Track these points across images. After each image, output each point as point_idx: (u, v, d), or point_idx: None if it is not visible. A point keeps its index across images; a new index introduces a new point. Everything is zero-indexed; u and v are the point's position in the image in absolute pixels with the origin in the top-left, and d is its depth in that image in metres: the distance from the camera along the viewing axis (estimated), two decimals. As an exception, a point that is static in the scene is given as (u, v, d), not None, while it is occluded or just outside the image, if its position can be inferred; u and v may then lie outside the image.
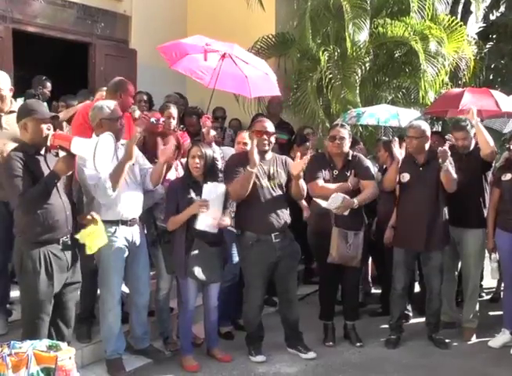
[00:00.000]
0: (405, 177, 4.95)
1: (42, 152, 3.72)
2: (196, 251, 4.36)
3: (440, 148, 4.77)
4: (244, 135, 5.21)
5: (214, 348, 4.74)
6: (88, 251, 3.80)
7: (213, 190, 4.40)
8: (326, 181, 4.88)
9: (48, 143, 3.67)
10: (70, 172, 3.81)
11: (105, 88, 5.57)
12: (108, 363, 4.31)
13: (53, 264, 3.63)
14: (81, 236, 3.78)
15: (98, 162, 3.56)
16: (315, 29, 7.94)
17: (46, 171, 3.63)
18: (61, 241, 3.70)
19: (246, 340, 4.81)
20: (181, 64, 5.46)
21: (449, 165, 4.77)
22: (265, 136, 4.61)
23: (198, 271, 4.36)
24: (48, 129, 3.68)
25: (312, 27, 7.82)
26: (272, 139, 4.69)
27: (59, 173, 3.59)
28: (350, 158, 4.95)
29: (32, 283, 3.59)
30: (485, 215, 5.25)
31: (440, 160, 4.74)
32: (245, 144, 5.12)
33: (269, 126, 4.68)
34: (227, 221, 4.50)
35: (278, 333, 4.91)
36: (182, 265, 4.37)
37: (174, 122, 5.25)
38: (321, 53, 7.56)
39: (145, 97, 6.60)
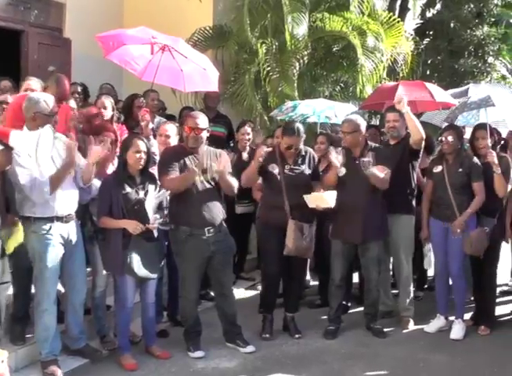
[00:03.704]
0: (342, 171, 4.97)
1: None
2: (134, 248, 4.28)
3: (362, 159, 4.86)
4: (166, 127, 5.17)
5: (153, 345, 4.68)
6: (7, 251, 3.68)
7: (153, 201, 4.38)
8: None
9: None
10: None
11: (32, 78, 5.41)
12: (43, 365, 4.16)
13: None
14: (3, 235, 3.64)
15: (40, 158, 3.44)
16: (254, 21, 7.91)
17: None
18: None
19: (184, 336, 4.77)
20: (115, 54, 5.34)
21: (373, 169, 4.83)
22: (194, 133, 4.54)
23: (138, 267, 4.29)
24: None
25: (251, 19, 7.79)
26: (204, 134, 4.61)
27: None
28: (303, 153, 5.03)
29: None
30: (413, 202, 5.42)
31: (363, 169, 4.82)
32: (167, 136, 5.09)
33: (201, 122, 4.60)
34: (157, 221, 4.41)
35: (216, 328, 4.91)
36: (120, 263, 4.28)
37: (107, 112, 5.14)
38: (259, 46, 7.57)
39: (79, 89, 6.43)
